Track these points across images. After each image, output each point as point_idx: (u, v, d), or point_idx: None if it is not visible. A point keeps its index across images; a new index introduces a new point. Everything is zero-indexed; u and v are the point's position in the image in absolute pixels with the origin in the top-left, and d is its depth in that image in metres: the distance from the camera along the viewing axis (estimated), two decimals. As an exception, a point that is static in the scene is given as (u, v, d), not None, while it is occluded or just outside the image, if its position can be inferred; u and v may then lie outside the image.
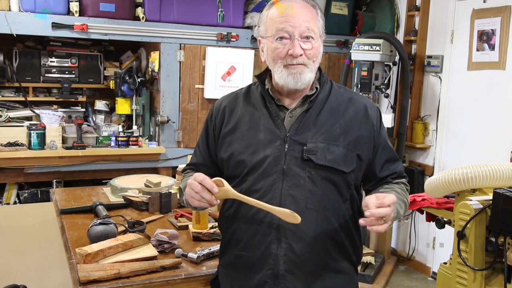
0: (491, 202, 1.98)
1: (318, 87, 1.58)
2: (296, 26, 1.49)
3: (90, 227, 1.93)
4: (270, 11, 1.55)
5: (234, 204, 1.57)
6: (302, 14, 1.50)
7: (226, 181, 1.46)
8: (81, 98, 4.33)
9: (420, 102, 4.41)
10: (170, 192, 2.47)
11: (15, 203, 3.87)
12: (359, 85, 4.06)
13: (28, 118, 3.97)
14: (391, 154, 1.64)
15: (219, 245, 1.74)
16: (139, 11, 4.00)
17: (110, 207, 2.41)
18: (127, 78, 4.12)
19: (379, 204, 1.35)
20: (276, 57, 1.52)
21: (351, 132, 1.55)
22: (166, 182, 2.72)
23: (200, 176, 1.45)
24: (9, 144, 3.64)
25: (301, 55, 1.49)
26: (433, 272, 4.18)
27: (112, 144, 3.98)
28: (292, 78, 1.51)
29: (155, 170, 4.07)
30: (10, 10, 3.62)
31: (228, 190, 1.46)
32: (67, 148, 3.81)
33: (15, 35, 3.64)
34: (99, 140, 3.99)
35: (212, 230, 2.08)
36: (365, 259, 3.97)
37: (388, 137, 1.67)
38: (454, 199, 2.33)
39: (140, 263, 1.73)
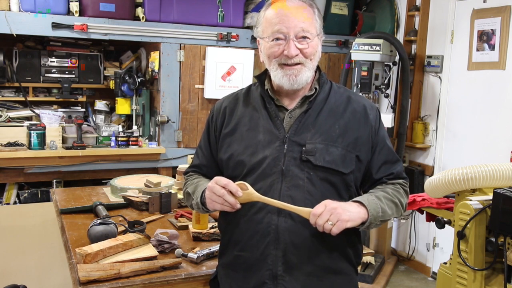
0: (491, 202, 1.98)
1: (318, 87, 1.58)
2: (291, 27, 1.48)
3: (90, 227, 1.93)
4: (266, 11, 1.55)
5: None
6: (298, 15, 1.49)
7: (249, 185, 1.46)
8: (81, 98, 4.33)
9: (420, 102, 4.41)
10: (170, 192, 2.47)
11: (15, 203, 3.87)
12: (359, 85, 4.05)
13: (28, 118, 3.97)
14: (390, 156, 1.62)
15: (219, 245, 1.73)
16: (139, 11, 4.00)
17: (110, 207, 2.41)
18: (127, 78, 4.12)
19: (313, 216, 1.40)
20: (271, 55, 1.52)
21: (350, 133, 1.54)
22: (166, 182, 2.72)
23: (223, 179, 1.45)
24: (9, 144, 3.64)
25: (296, 55, 1.49)
26: (433, 272, 4.18)
27: (112, 144, 3.98)
28: (287, 79, 1.51)
29: (155, 170, 4.07)
30: (10, 10, 3.62)
31: (252, 193, 1.45)
32: (67, 148, 3.81)
33: (15, 35, 3.64)
34: (99, 140, 3.99)
35: (212, 230, 2.08)
36: (365, 259, 3.97)
37: (388, 138, 1.65)
38: (454, 199, 2.33)
39: (140, 263, 1.73)
